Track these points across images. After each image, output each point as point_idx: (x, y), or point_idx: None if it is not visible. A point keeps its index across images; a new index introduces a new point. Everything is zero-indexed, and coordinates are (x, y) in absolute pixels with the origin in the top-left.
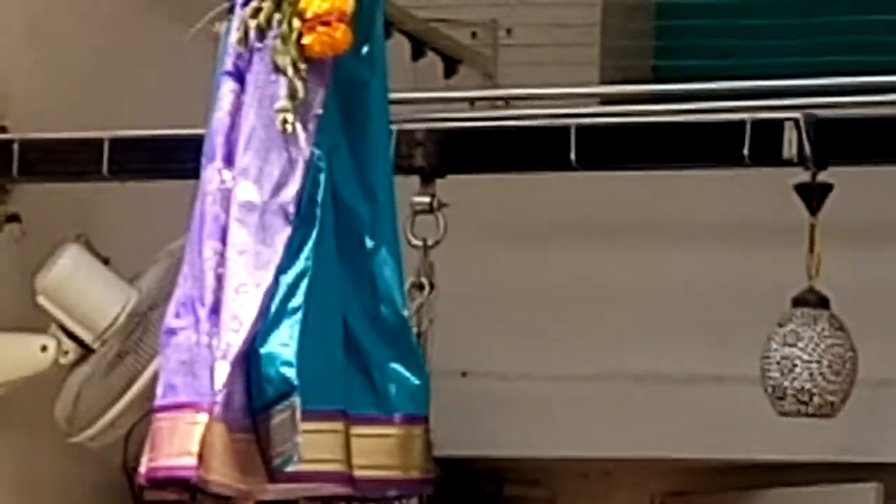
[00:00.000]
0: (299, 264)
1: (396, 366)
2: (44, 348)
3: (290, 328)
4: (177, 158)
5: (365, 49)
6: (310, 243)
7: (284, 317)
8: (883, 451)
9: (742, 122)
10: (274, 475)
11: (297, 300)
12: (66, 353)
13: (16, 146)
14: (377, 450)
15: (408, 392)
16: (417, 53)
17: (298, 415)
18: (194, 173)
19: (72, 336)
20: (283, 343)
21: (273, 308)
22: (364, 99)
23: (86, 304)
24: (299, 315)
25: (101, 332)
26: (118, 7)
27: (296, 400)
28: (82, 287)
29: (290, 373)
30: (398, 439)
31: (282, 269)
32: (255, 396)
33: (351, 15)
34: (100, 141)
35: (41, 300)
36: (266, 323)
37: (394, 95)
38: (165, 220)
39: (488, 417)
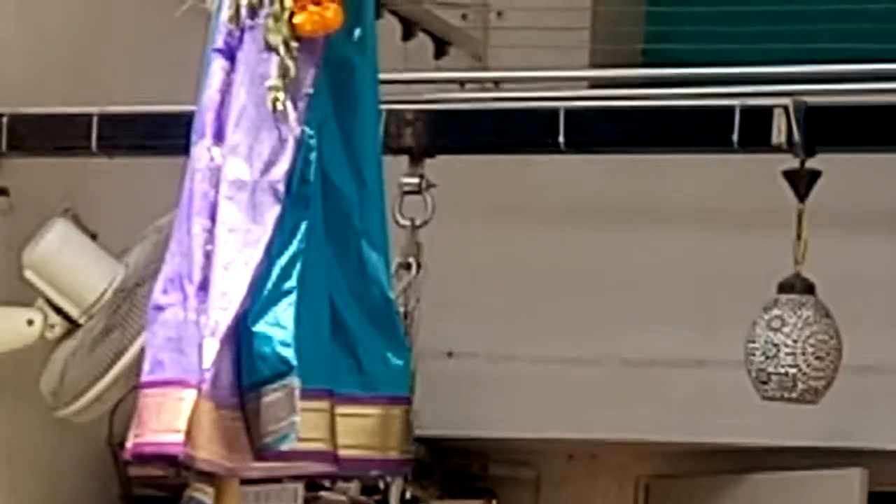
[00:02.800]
0: (293, 246)
1: (380, 347)
2: (30, 322)
3: (286, 309)
4: (166, 135)
5: (357, 32)
6: (304, 225)
7: (279, 298)
8: (867, 436)
9: (731, 108)
10: (262, 453)
11: (292, 282)
12: (53, 327)
13: (5, 120)
14: (360, 429)
15: (390, 373)
16: (408, 34)
17: (297, 395)
18: (183, 150)
19: (58, 310)
20: (279, 324)
21: (267, 288)
22: (354, 80)
23: (73, 278)
24: (294, 296)
25: (87, 307)
26: None
27: (294, 380)
28: (69, 262)
29: (289, 353)
30: (379, 419)
31: (276, 250)
32: (245, 374)
33: None
34: (89, 116)
35: (28, 274)
36: (259, 302)
37: (384, 76)
38: (153, 196)
39: (474, 398)
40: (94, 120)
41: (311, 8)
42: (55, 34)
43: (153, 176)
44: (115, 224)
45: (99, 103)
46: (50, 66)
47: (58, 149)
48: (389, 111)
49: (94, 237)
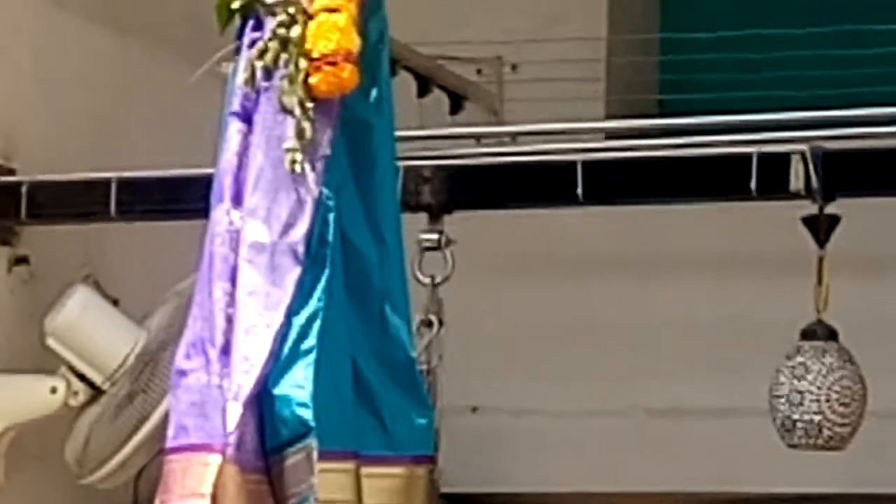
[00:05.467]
0: (311, 305)
1: (404, 406)
2: (53, 390)
3: (305, 370)
4: (184, 198)
5: (373, 93)
6: (321, 284)
7: (298, 358)
8: (894, 482)
9: (749, 156)
10: None
11: (310, 341)
12: (76, 394)
13: (24, 188)
14: (385, 490)
15: (414, 432)
16: (423, 90)
17: (315, 456)
18: (202, 214)
19: (81, 377)
20: (298, 385)
21: (286, 349)
22: (371, 139)
23: (95, 345)
24: (312, 356)
25: (110, 373)
26: (125, 48)
27: (312, 441)
28: (91, 328)
29: (307, 414)
30: (404, 479)
31: (294, 311)
32: (268, 438)
33: (358, 55)
34: (107, 181)
35: (50, 342)
36: (279, 364)
37: (400, 133)
38: (174, 260)
39: (499, 453)
40: (113, 185)
41: (327, 68)
42: (72, 101)
43: (173, 240)
44: (135, 289)
45: (116, 168)
46: (67, 133)
47: (77, 215)
48: (407, 168)
49: (115, 303)
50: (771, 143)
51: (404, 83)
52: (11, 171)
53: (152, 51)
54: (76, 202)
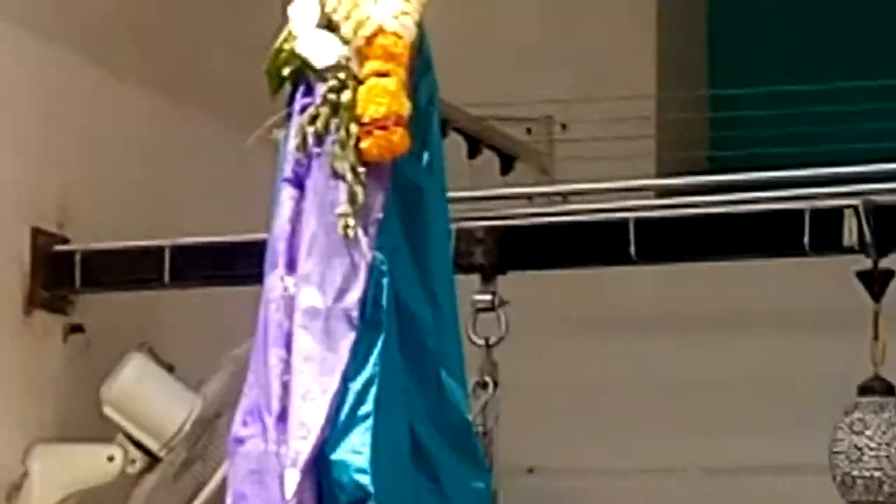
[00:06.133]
0: (367, 370)
1: (461, 470)
2: (111, 458)
3: (362, 435)
4: (238, 265)
5: (425, 156)
6: (377, 349)
7: (355, 424)
8: None
9: (801, 211)
10: None
11: (367, 407)
12: (134, 462)
13: (78, 257)
14: None
15: (472, 496)
16: (474, 151)
17: None
18: (256, 279)
19: (138, 445)
20: (356, 450)
21: (343, 415)
22: (423, 202)
23: (151, 412)
24: (370, 422)
25: (167, 441)
26: (176, 114)
27: None
28: (147, 396)
29: (365, 480)
30: None
31: (350, 376)
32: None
33: (408, 118)
34: (161, 249)
35: (107, 410)
36: (336, 430)
37: (452, 194)
38: (228, 326)
39: None
40: (166, 252)
41: (378, 133)
42: (124, 168)
43: (227, 305)
44: (190, 355)
45: (170, 235)
46: (120, 200)
47: (131, 283)
48: (459, 229)
49: (171, 369)
50: (823, 198)
51: (455, 144)
52: (66, 240)
53: (204, 117)
54: (130, 270)
